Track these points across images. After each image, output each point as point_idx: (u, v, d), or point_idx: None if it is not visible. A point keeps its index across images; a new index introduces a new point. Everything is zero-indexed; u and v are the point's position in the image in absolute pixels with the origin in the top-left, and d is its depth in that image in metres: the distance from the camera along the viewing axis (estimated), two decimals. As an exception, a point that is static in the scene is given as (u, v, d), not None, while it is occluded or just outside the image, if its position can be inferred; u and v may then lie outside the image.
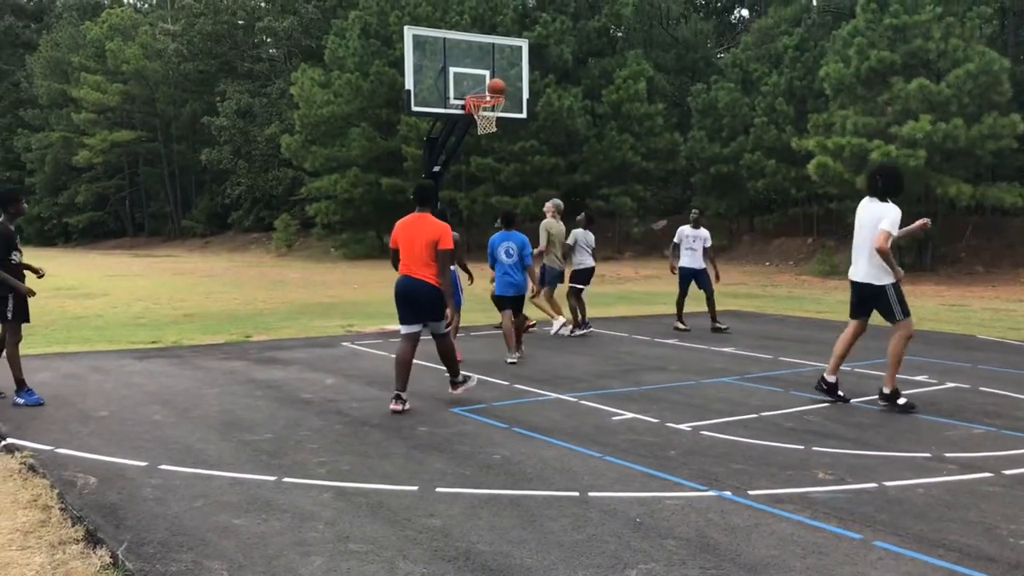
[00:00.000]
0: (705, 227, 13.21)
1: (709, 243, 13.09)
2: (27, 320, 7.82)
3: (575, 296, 12.62)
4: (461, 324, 11.35)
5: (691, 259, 12.97)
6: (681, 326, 13.01)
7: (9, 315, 7.60)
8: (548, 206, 12.33)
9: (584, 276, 12.69)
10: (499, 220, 10.70)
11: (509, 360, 10.02)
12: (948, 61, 24.51)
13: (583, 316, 12.67)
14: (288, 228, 44.83)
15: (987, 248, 27.00)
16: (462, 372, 8.12)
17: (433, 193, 7.81)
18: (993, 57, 23.75)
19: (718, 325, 12.88)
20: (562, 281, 12.62)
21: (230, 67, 53.73)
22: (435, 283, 7.39)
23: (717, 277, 13.18)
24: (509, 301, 10.35)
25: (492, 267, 10.62)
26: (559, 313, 12.53)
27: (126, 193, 62.02)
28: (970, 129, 23.50)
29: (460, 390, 7.99)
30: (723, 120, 33.50)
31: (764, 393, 8.33)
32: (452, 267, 9.55)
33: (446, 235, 7.44)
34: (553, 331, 12.32)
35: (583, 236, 12.66)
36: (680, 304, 13.17)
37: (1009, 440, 6.54)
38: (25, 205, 7.78)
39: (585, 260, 12.68)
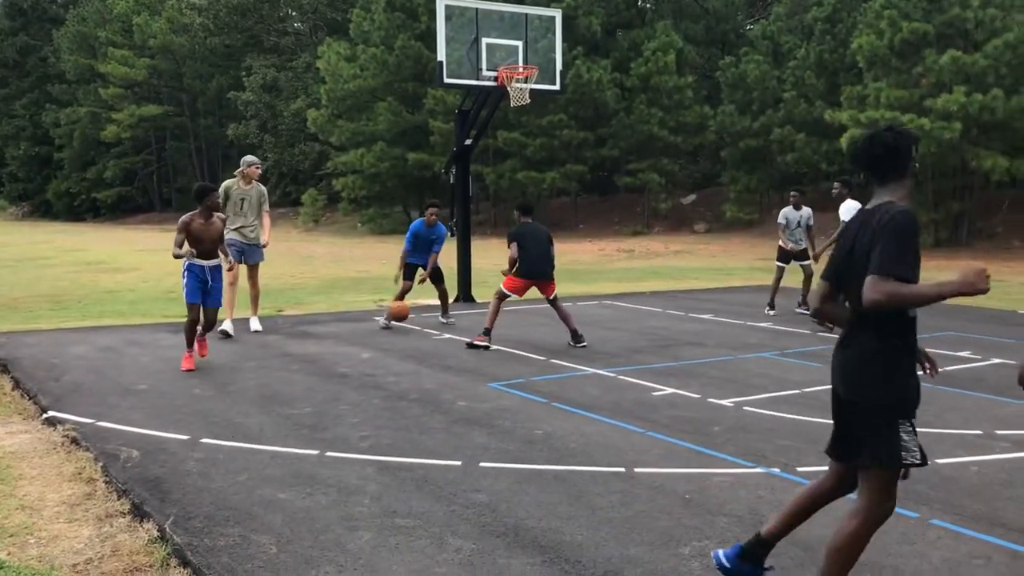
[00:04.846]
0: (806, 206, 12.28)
1: (812, 222, 12.14)
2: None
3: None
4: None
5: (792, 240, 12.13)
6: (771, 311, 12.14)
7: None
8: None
9: None
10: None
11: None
12: (985, 31, 23.95)
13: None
14: (315, 203, 44.82)
15: (1024, 222, 26.53)
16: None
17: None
18: (1033, 27, 23.13)
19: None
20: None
21: (256, 41, 53.60)
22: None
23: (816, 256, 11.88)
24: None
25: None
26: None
27: (154, 168, 62.20)
28: (1009, 100, 22.97)
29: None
30: (753, 93, 33.00)
31: (804, 368, 8.20)
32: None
33: None
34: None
35: None
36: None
37: (1061, 417, 6.39)
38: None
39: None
